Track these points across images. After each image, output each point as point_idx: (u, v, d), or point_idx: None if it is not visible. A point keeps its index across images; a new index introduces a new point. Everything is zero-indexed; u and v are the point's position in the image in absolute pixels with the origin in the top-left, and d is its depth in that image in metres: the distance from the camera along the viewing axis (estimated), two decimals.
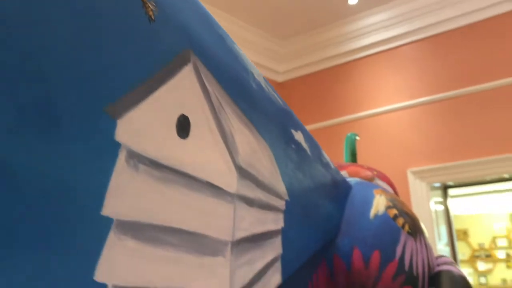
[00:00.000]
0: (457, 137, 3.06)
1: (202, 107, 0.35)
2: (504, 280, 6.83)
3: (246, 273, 0.41)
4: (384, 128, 3.29)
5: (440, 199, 3.37)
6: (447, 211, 3.44)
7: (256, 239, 0.44)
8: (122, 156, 0.28)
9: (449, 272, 0.71)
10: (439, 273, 0.71)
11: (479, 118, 2.99)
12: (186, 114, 0.33)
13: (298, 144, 0.54)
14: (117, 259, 0.28)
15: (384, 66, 3.40)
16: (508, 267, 6.98)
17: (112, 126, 0.27)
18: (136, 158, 0.29)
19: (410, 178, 3.11)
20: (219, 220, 0.38)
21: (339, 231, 0.67)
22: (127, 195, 0.28)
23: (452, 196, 3.65)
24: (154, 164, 0.30)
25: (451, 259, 0.79)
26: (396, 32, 3.32)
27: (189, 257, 0.34)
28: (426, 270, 0.70)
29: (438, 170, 3.10)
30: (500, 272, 6.95)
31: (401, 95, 3.30)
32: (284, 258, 0.49)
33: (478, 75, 3.02)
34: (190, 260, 0.34)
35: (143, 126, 0.29)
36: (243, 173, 0.41)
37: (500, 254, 7.05)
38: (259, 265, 0.44)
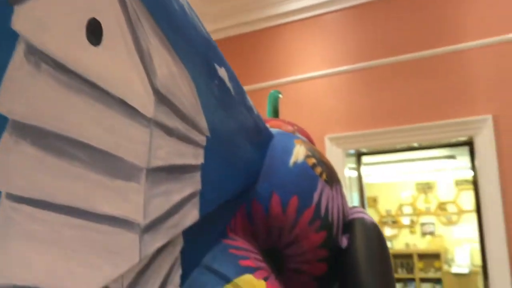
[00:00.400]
0: (372, 106, 3.19)
1: (116, 15, 0.32)
2: (407, 245, 7.36)
3: (162, 204, 0.39)
4: (306, 94, 3.35)
5: (354, 166, 3.53)
6: (360, 178, 3.61)
7: (174, 171, 0.42)
8: (20, 49, 0.24)
9: (362, 219, 0.74)
10: (352, 220, 0.74)
11: (393, 89, 3.13)
12: (98, 19, 0.30)
13: (221, 80, 0.52)
14: (13, 165, 0.24)
15: (308, 33, 3.44)
16: (411, 232, 7.53)
17: (8, 12, 0.24)
18: (38, 55, 0.25)
19: (328, 144, 3.22)
20: (134, 143, 0.35)
21: (259, 177, 0.67)
22: (26, 94, 0.25)
23: (365, 164, 3.82)
24: (60, 67, 0.27)
25: (363, 209, 0.82)
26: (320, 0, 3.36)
27: (98, 177, 0.31)
28: (340, 216, 0.72)
29: (353, 137, 3.23)
30: (404, 237, 7.48)
31: (322, 63, 3.36)
32: (203, 195, 0.47)
33: (396, 47, 3.15)
34: (99, 180, 0.31)
35: (47, 19, 0.26)
36: (161, 98, 0.39)
37: (405, 221, 7.58)
38: (176, 198, 0.42)
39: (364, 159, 3.70)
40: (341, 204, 0.73)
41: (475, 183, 3.10)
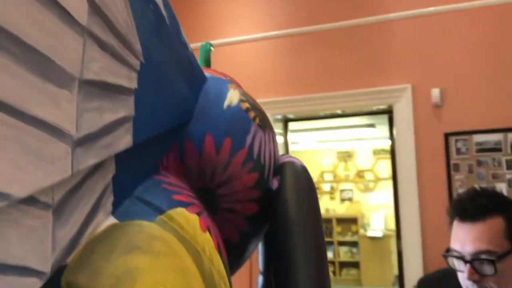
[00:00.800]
0: (299, 72, 3.24)
1: None
2: (327, 210, 7.69)
3: (95, 120, 0.38)
4: (234, 58, 3.33)
5: (281, 131, 3.59)
6: (286, 144, 3.69)
7: (107, 89, 0.40)
8: None
9: (292, 163, 0.76)
10: (283, 164, 0.75)
11: (319, 56, 3.20)
12: None
13: (156, 6, 0.51)
14: None
15: None
16: (331, 198, 7.87)
17: None
18: None
19: None
20: (67, 49, 0.33)
21: (192, 118, 0.66)
22: None
23: (291, 131, 3.90)
24: None
25: (292, 156, 0.84)
26: None
27: (30, 76, 0.29)
28: (272, 159, 0.73)
29: (280, 102, 3.28)
30: (325, 203, 7.81)
31: (251, 27, 3.35)
32: (136, 122, 0.46)
33: (323, 15, 3.20)
34: (31, 79, 0.29)
35: None
36: (95, 9, 0.37)
37: (326, 187, 7.90)
38: (109, 117, 0.40)
39: (291, 126, 3.78)
40: (273, 149, 0.74)
41: (392, 150, 3.28)
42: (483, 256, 1.09)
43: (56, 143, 0.32)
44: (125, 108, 0.43)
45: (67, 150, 0.33)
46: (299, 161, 0.78)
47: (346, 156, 7.81)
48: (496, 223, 1.11)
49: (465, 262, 1.11)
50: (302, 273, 0.65)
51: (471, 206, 1.14)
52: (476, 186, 1.23)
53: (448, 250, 1.19)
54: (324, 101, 3.23)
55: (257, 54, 3.33)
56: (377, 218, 7.28)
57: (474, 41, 2.87)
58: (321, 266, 0.67)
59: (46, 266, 0.34)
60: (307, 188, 0.73)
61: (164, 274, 0.43)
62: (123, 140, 0.43)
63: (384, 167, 7.35)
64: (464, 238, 1.13)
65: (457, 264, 1.15)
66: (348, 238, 7.22)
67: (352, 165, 7.82)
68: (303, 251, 0.66)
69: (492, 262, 1.07)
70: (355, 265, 7.06)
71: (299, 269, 0.65)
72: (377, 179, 7.58)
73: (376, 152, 7.59)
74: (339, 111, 3.39)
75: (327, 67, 3.19)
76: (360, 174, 7.74)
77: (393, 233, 6.42)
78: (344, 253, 7.20)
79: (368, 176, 7.70)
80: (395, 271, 6.24)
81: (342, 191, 7.81)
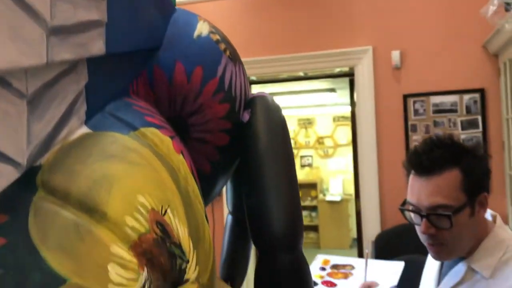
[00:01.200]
0: (262, 33, 3.22)
1: None
2: None
3: (69, 13, 0.36)
4: None
5: None
6: None
7: None
8: None
9: (263, 97, 0.76)
10: (254, 98, 0.75)
11: (283, 17, 3.18)
12: None
13: None
14: None
15: None
16: None
17: None
18: None
19: None
20: None
21: (161, 45, 0.65)
22: None
23: None
24: None
25: None
26: None
27: None
28: (243, 92, 0.72)
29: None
30: None
31: None
32: (109, 31, 0.44)
33: None
34: None
35: None
36: None
37: None
38: (83, 15, 0.38)
39: (253, 90, 3.76)
40: (244, 82, 0.74)
41: (353, 113, 3.33)
42: (439, 211, 1.06)
43: (31, 24, 0.30)
44: (98, 11, 0.42)
45: (42, 36, 0.32)
46: (270, 96, 0.78)
47: (307, 123, 7.89)
48: (452, 176, 1.08)
49: (421, 216, 1.09)
50: (274, 200, 0.66)
51: (427, 159, 1.10)
52: (433, 135, 1.18)
53: (405, 202, 1.17)
54: (286, 63, 3.23)
55: (218, 14, 3.28)
56: (336, 183, 7.44)
57: (433, 4, 2.92)
58: (292, 194, 0.68)
59: (21, 157, 0.32)
60: (278, 121, 0.74)
61: (140, 183, 0.43)
62: (96, 44, 0.42)
63: (343, 134, 7.47)
64: (420, 192, 1.10)
65: (414, 218, 1.14)
66: (308, 202, 7.36)
67: (312, 131, 7.91)
68: (275, 180, 0.67)
69: (448, 216, 1.05)
70: (314, 228, 7.23)
71: (271, 197, 0.66)
72: (336, 146, 7.72)
73: (335, 119, 7.70)
74: (301, 73, 3.40)
75: (289, 28, 3.18)
76: (320, 141, 7.85)
77: (351, 198, 6.60)
78: (303, 217, 7.35)
79: (328, 142, 7.82)
80: (352, 234, 6.44)
81: (302, 157, 7.91)
